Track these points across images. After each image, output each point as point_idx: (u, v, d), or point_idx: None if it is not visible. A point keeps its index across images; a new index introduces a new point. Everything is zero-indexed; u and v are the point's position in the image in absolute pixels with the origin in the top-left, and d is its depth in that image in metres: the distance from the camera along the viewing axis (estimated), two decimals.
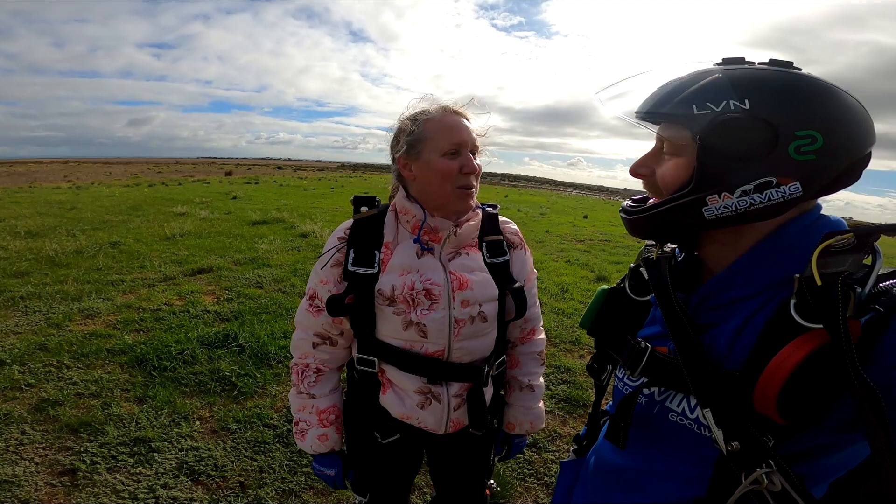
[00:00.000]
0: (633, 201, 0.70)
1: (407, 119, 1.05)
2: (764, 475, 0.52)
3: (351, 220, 1.08)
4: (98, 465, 2.09)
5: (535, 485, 2.16)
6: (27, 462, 2.10)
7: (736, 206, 0.54)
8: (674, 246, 0.73)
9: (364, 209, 1.07)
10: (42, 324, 3.57)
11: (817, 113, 0.52)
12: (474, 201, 1.07)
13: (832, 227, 0.58)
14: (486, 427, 1.15)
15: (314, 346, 1.12)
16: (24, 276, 4.78)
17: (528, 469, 2.24)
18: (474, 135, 1.04)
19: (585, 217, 17.19)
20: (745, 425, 0.54)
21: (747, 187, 0.53)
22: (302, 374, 1.13)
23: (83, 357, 3.06)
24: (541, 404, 1.27)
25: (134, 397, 2.64)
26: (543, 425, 1.28)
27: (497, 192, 34.50)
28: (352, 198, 1.09)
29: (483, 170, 1.07)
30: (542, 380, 1.27)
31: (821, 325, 0.49)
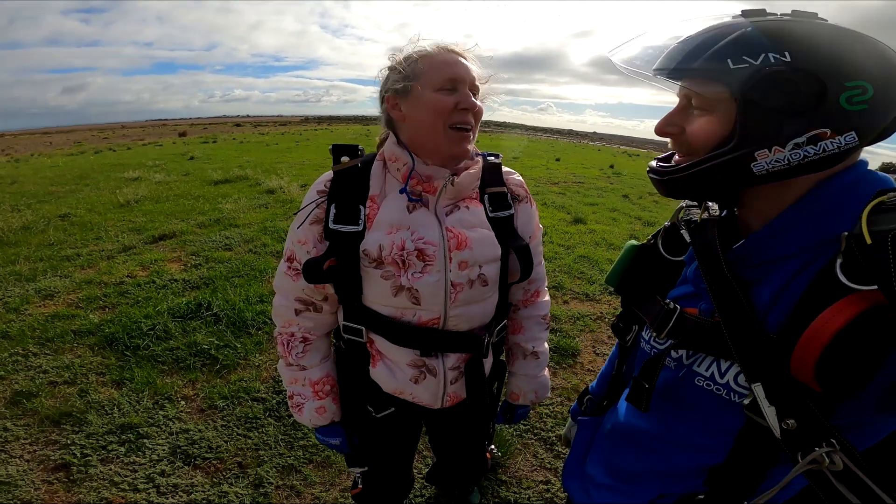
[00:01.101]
0: (661, 160, 0.67)
1: (400, 58, 0.92)
2: (824, 454, 0.50)
3: (331, 172, 0.95)
4: (90, 457, 1.99)
5: (533, 440, 2.18)
6: (17, 460, 1.99)
7: (788, 159, 0.52)
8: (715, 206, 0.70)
9: (345, 159, 0.93)
10: None
11: (864, 63, 0.51)
12: (472, 147, 0.95)
13: (880, 183, 0.56)
14: (487, 400, 1.08)
15: (297, 312, 1.02)
16: None
17: (525, 424, 2.25)
18: (473, 74, 0.92)
19: (558, 160, 17.18)
20: (804, 402, 0.51)
21: (800, 140, 0.51)
22: (288, 344, 1.04)
23: (49, 342, 2.87)
24: (545, 371, 1.22)
25: (111, 381, 2.50)
26: (549, 394, 1.23)
27: None
28: (331, 146, 0.95)
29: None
30: (546, 345, 1.21)
31: (868, 287, 0.47)
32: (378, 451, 1.19)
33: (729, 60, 0.53)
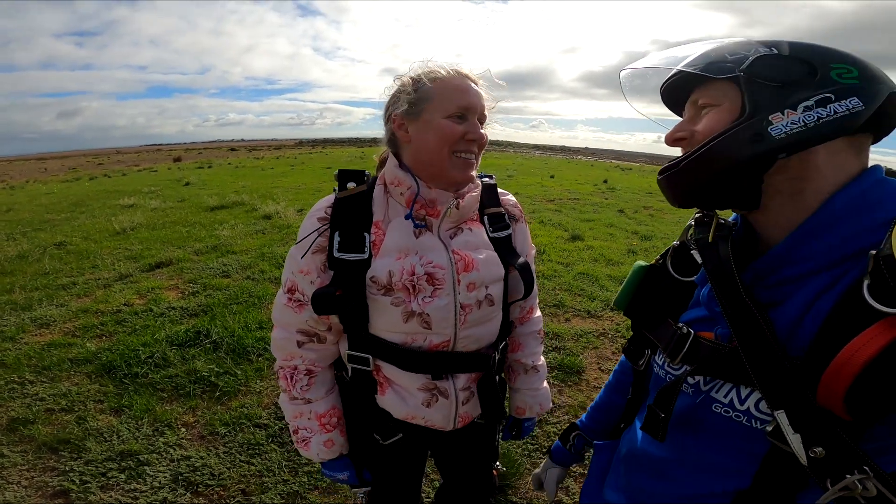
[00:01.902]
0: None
1: (411, 77, 0.92)
2: (857, 482, 0.48)
3: (331, 198, 0.94)
4: (89, 484, 1.97)
5: (541, 459, 2.15)
6: (15, 486, 1.97)
7: (803, 120, 0.53)
8: (731, 221, 0.68)
9: (352, 185, 0.93)
10: None
11: (842, 53, 0.55)
12: (474, 173, 0.96)
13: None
14: (500, 417, 1.08)
15: (299, 344, 0.98)
16: None
17: (532, 444, 2.24)
18: (483, 101, 0.93)
19: (552, 177, 17.35)
20: (831, 429, 0.49)
21: (809, 103, 0.53)
22: (292, 378, 1.00)
23: (45, 370, 2.84)
24: (545, 384, 1.23)
25: (109, 408, 2.47)
26: (551, 405, 1.24)
27: None
28: (336, 172, 0.94)
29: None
30: (543, 359, 1.22)
31: None
32: (386, 478, 1.16)
33: (727, 54, 0.58)
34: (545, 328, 3.34)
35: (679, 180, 0.62)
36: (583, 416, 1.05)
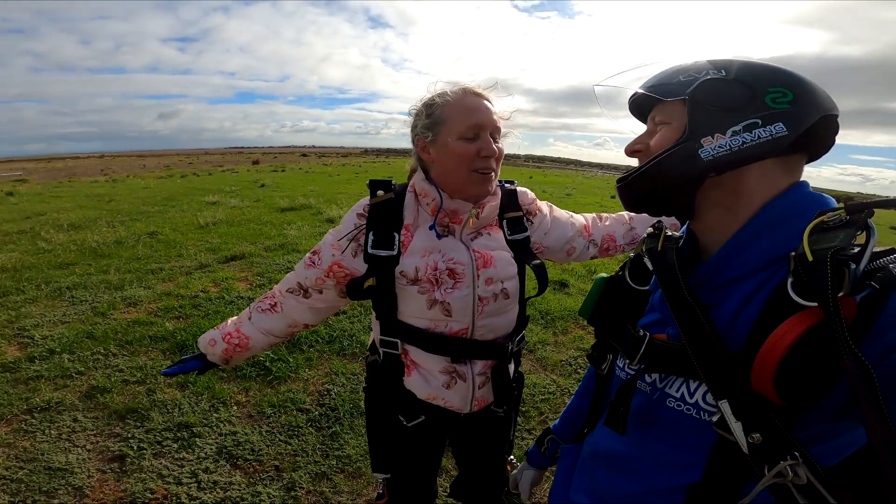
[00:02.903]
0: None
1: (425, 102, 1.04)
2: (788, 468, 0.51)
3: (368, 199, 1.07)
4: (145, 451, 2.19)
5: None
6: (79, 449, 2.20)
7: (729, 145, 0.59)
8: (679, 233, 0.74)
9: (380, 193, 1.07)
10: (88, 313, 3.75)
11: (783, 76, 0.60)
12: (493, 186, 1.05)
13: (821, 202, 0.61)
14: (510, 403, 1.17)
15: (290, 290, 1.17)
16: (70, 268, 5.02)
17: None
18: (495, 117, 1.01)
19: (613, 197, 16.82)
20: (767, 416, 0.53)
21: (737, 128, 0.59)
22: (264, 299, 1.22)
23: (128, 344, 3.20)
24: None
25: (176, 383, 2.75)
26: None
27: (521, 173, 34.17)
28: (367, 182, 1.09)
29: (506, 151, 1.06)
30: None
31: (815, 303, 0.50)
32: (406, 460, 1.26)
33: (680, 76, 0.65)
34: (587, 344, 3.34)
35: (629, 190, 0.70)
36: (556, 420, 1.10)
